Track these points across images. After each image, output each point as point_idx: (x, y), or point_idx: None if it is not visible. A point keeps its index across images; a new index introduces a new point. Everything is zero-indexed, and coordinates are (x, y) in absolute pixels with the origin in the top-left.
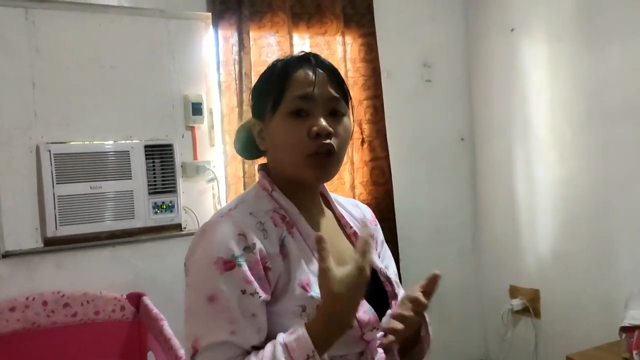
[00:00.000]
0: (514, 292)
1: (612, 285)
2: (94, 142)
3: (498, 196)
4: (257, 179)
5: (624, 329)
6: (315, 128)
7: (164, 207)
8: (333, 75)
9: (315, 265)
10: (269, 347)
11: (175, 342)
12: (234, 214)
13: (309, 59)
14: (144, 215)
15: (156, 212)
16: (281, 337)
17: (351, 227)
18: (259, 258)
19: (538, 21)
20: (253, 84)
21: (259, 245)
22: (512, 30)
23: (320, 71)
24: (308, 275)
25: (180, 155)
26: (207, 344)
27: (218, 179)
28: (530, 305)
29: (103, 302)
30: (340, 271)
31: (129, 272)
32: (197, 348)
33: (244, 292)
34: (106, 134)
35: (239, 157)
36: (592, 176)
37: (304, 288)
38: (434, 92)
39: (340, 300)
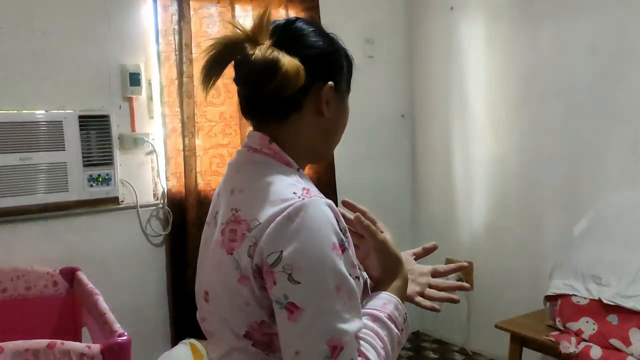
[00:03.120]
0: (449, 264)
1: (538, 257)
2: (24, 112)
3: (436, 172)
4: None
5: (548, 298)
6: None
7: (100, 180)
8: None
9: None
10: (373, 324)
11: (110, 316)
12: (314, 193)
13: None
14: (78, 188)
15: (92, 185)
16: (379, 312)
17: None
18: (349, 241)
19: (476, 0)
20: (194, 55)
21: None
22: (452, 8)
23: None
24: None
25: (117, 127)
26: (350, 338)
27: (157, 151)
28: (464, 278)
29: (34, 277)
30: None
31: (63, 247)
32: (341, 345)
33: (350, 275)
34: (37, 103)
35: (179, 130)
36: (523, 153)
37: (359, 269)
38: (375, 68)
39: (403, 262)
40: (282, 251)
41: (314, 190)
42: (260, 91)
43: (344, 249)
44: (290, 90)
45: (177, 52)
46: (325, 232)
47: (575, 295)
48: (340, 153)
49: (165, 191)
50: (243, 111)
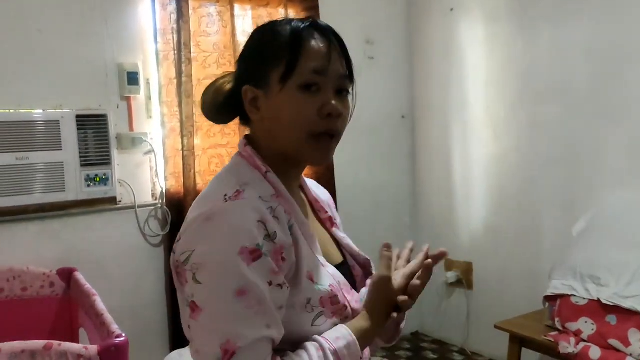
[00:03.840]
0: (448, 265)
1: (537, 257)
2: (20, 111)
3: (436, 173)
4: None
5: (547, 298)
6: (327, 107)
7: (98, 179)
8: (344, 50)
9: (312, 255)
10: (315, 352)
11: (108, 317)
12: (246, 196)
13: (321, 28)
14: (75, 188)
15: (89, 185)
16: (328, 343)
17: (326, 212)
18: (278, 248)
19: (476, 1)
20: (193, 54)
21: (279, 233)
22: (452, 10)
23: (336, 44)
24: (311, 266)
25: (115, 127)
26: (245, 343)
27: (156, 151)
28: (464, 278)
29: (31, 278)
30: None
31: (59, 247)
32: (233, 349)
33: (270, 283)
34: (34, 102)
35: (178, 130)
36: (521, 153)
37: (311, 279)
38: (376, 69)
39: (383, 312)
40: (193, 250)
41: (252, 193)
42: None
43: (258, 254)
44: (219, 100)
45: (175, 52)
46: (236, 236)
47: (574, 296)
48: (340, 153)
49: (164, 191)
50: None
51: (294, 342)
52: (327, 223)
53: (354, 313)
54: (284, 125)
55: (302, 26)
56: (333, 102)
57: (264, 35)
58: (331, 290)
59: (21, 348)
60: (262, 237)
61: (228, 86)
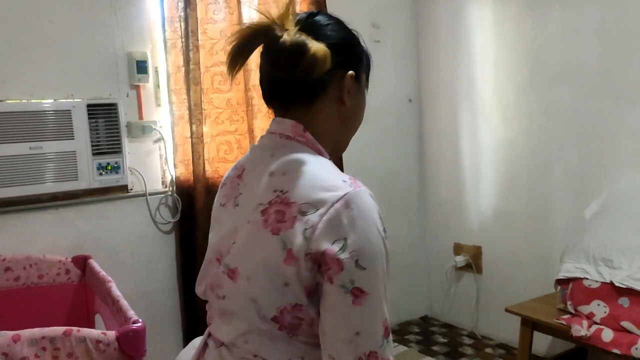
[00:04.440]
0: (457, 249)
1: (548, 241)
2: (32, 101)
3: (444, 157)
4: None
5: (559, 282)
6: None
7: (109, 168)
8: None
9: None
10: None
11: (124, 303)
12: (359, 182)
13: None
14: (88, 177)
15: (101, 174)
16: None
17: None
18: None
19: None
20: (200, 41)
21: None
22: None
23: None
24: None
25: (125, 115)
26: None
27: (165, 139)
28: (473, 262)
29: (47, 266)
30: None
31: (74, 235)
32: (388, 327)
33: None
34: (45, 92)
35: (186, 118)
36: (532, 137)
37: None
38: (382, 53)
39: None
40: (346, 238)
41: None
42: (288, 73)
43: (386, 235)
44: (317, 73)
45: (183, 39)
46: (377, 221)
47: (587, 279)
48: None
49: (174, 179)
50: (268, 95)
51: None
52: None
53: None
54: (357, 120)
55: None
56: None
57: (354, 35)
58: None
59: (41, 334)
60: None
61: (329, 60)
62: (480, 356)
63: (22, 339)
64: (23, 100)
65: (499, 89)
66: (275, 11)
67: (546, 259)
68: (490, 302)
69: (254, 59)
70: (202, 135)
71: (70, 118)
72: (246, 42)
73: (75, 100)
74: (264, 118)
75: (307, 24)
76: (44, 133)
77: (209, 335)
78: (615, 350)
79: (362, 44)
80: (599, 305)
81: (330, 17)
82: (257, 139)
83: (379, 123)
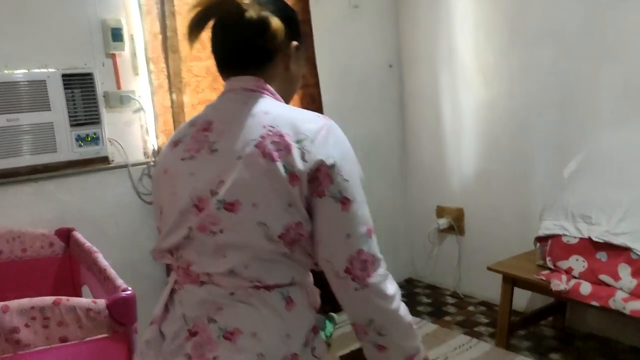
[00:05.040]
0: (440, 212)
1: (528, 200)
2: (5, 72)
3: (425, 121)
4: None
5: (538, 239)
6: None
7: (88, 139)
8: None
9: None
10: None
11: (112, 272)
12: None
13: None
14: (67, 148)
15: (80, 145)
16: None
17: None
18: None
19: None
20: (176, 7)
21: None
22: None
23: None
24: None
25: (102, 85)
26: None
27: (145, 109)
28: (455, 224)
29: (30, 239)
30: None
31: (55, 208)
32: (371, 228)
33: None
34: (18, 62)
35: (166, 87)
36: (512, 98)
37: None
38: (361, 18)
39: None
40: (333, 156)
41: None
42: (252, 43)
43: None
44: (274, 44)
45: (158, 5)
46: (349, 144)
47: (566, 235)
48: (329, 104)
49: (156, 149)
50: (226, 61)
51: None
52: None
53: None
54: (298, 84)
55: None
56: None
57: (292, 8)
58: None
59: (30, 304)
60: None
61: (284, 32)
62: (463, 314)
63: (11, 310)
64: None
65: (479, 51)
66: None
67: (526, 217)
68: (472, 262)
69: None
70: (182, 105)
71: (46, 89)
72: (207, 11)
73: (50, 70)
74: None
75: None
76: (20, 104)
77: (176, 282)
78: (594, 303)
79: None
80: (577, 260)
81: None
82: None
83: (360, 89)
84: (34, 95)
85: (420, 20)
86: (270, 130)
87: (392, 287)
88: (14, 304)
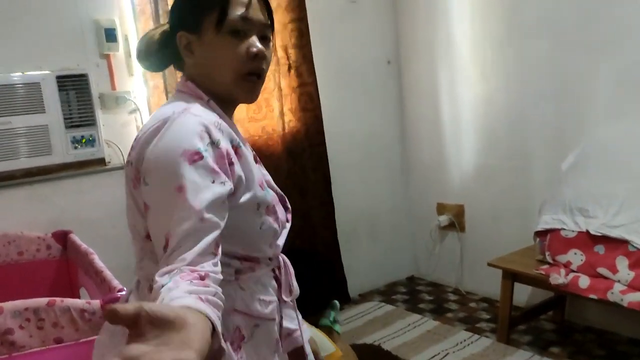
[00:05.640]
0: (440, 209)
1: (528, 195)
2: None
3: (424, 117)
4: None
5: (538, 234)
6: (254, 49)
7: (84, 141)
8: (265, 0)
9: (259, 169)
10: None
11: (108, 273)
12: (192, 111)
13: None
14: (62, 151)
15: (76, 147)
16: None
17: (252, 150)
18: (224, 152)
19: None
20: (169, 6)
21: (222, 142)
22: None
23: None
24: (262, 177)
25: (97, 86)
26: (194, 225)
27: (140, 110)
28: (456, 220)
29: (26, 242)
30: None
31: (51, 211)
32: (169, 241)
33: (213, 182)
34: (11, 65)
35: (162, 87)
36: (510, 92)
37: (261, 186)
38: (359, 14)
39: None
40: (144, 158)
41: (195, 109)
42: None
43: (200, 157)
44: (156, 48)
45: (152, 4)
46: (179, 141)
47: (564, 229)
48: (327, 101)
49: None
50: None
51: (245, 244)
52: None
53: (280, 224)
54: (218, 66)
55: None
56: (259, 44)
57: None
58: (272, 201)
59: (24, 306)
60: (205, 144)
61: (160, 35)
62: (464, 310)
63: (5, 311)
64: None
65: (477, 45)
66: None
67: (526, 212)
68: (473, 258)
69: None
70: None
71: (40, 91)
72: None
73: (44, 72)
74: None
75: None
76: (13, 107)
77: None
78: (592, 296)
79: None
80: (575, 253)
81: None
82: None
83: (358, 85)
84: (29, 97)
85: (418, 15)
86: (137, 136)
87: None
88: (8, 305)
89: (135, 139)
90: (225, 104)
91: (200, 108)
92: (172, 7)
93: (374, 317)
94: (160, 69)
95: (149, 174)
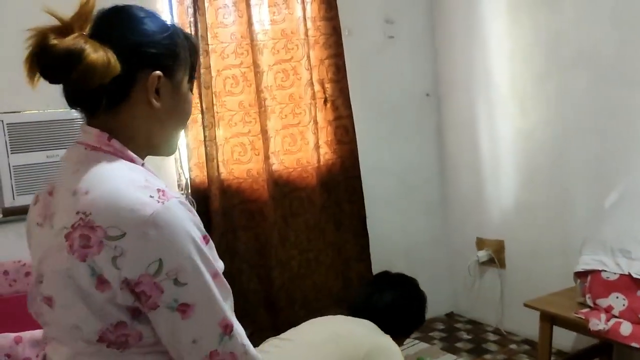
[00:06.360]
0: (480, 244)
1: (569, 233)
2: (48, 111)
3: (463, 150)
4: (104, 141)
5: (578, 275)
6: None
7: None
8: None
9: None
10: None
11: None
12: (170, 194)
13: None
14: None
15: None
16: None
17: None
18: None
19: None
20: (210, 46)
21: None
22: None
23: None
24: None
25: None
26: (232, 314)
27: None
28: (496, 256)
29: None
30: None
31: None
32: (230, 323)
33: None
34: (59, 101)
35: (199, 121)
36: (550, 127)
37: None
38: (397, 48)
39: None
40: (160, 259)
41: (163, 186)
42: (66, 82)
43: (207, 240)
44: (99, 81)
45: (192, 27)
46: (190, 231)
47: (605, 271)
48: (364, 134)
49: (189, 181)
50: (68, 102)
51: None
52: None
53: None
54: (178, 119)
55: (189, 36)
56: None
57: (166, 29)
58: None
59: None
60: (202, 225)
61: (116, 65)
62: (504, 352)
63: (24, 341)
64: (40, 111)
65: (515, 79)
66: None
67: (568, 251)
68: (514, 297)
69: (266, 60)
70: (215, 138)
71: None
72: (34, 50)
73: None
74: (277, 118)
75: (102, 24)
76: (60, 141)
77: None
78: (634, 344)
79: (178, 36)
80: (617, 297)
81: (139, 11)
82: (271, 139)
83: (397, 119)
84: (72, 131)
85: (456, 48)
86: (82, 220)
87: None
88: (27, 335)
89: (91, 226)
90: (147, 156)
91: (159, 180)
92: (142, 40)
93: (405, 354)
94: (90, 108)
95: (182, 272)
